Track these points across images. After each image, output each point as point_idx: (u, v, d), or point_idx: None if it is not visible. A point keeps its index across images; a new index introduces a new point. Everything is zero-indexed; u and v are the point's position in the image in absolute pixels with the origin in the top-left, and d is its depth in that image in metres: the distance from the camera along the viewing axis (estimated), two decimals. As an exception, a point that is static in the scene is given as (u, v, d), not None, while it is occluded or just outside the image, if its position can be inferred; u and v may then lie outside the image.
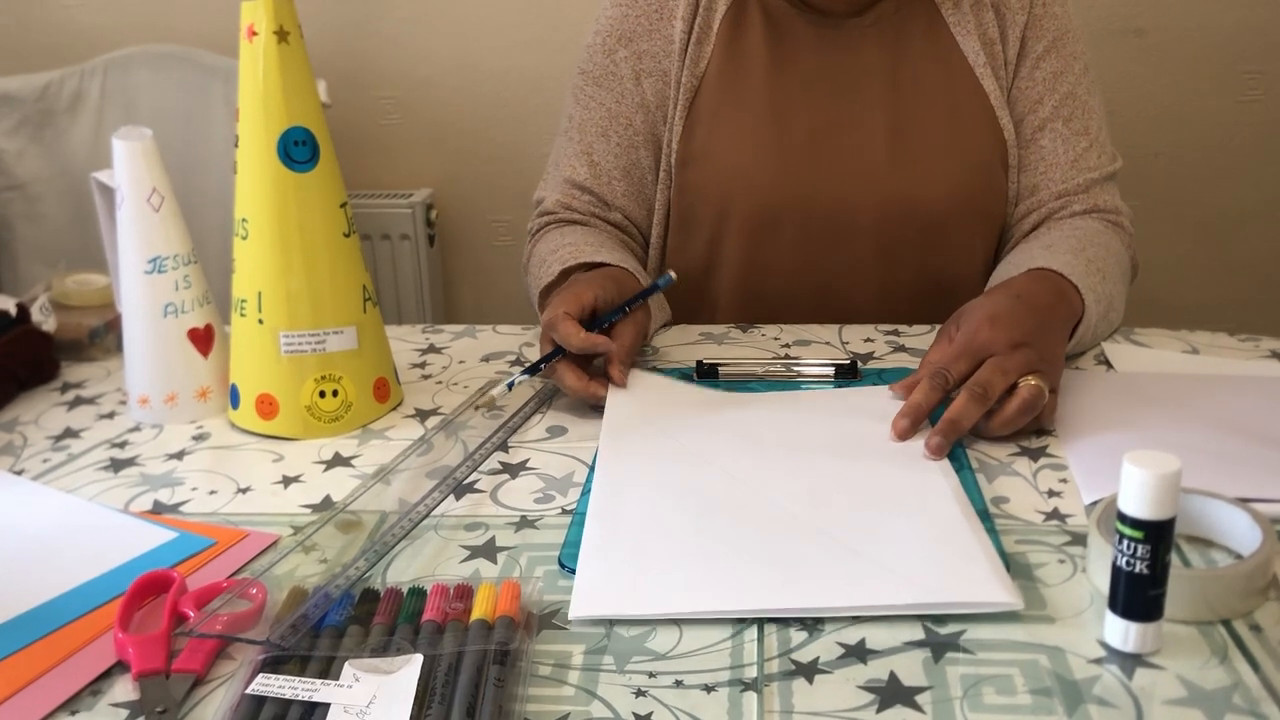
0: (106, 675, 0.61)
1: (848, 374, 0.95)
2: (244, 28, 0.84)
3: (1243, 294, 2.07)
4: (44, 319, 1.06)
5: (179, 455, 0.88)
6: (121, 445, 0.90)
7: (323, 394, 0.89)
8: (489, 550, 0.72)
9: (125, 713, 0.58)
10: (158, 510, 0.80)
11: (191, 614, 0.64)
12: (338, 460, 0.86)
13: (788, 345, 1.04)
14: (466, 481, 0.81)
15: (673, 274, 0.99)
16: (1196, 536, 0.70)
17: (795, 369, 0.96)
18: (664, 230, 1.18)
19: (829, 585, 0.65)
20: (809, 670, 0.59)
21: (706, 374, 0.96)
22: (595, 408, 0.91)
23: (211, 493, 0.82)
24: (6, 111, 1.86)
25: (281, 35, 0.84)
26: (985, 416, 0.82)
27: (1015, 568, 0.68)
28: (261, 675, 0.58)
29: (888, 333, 1.06)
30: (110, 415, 0.96)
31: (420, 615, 0.63)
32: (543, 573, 0.69)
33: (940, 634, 0.62)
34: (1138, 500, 0.57)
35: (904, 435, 0.82)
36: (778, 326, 1.08)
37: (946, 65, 1.12)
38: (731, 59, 1.13)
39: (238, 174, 0.87)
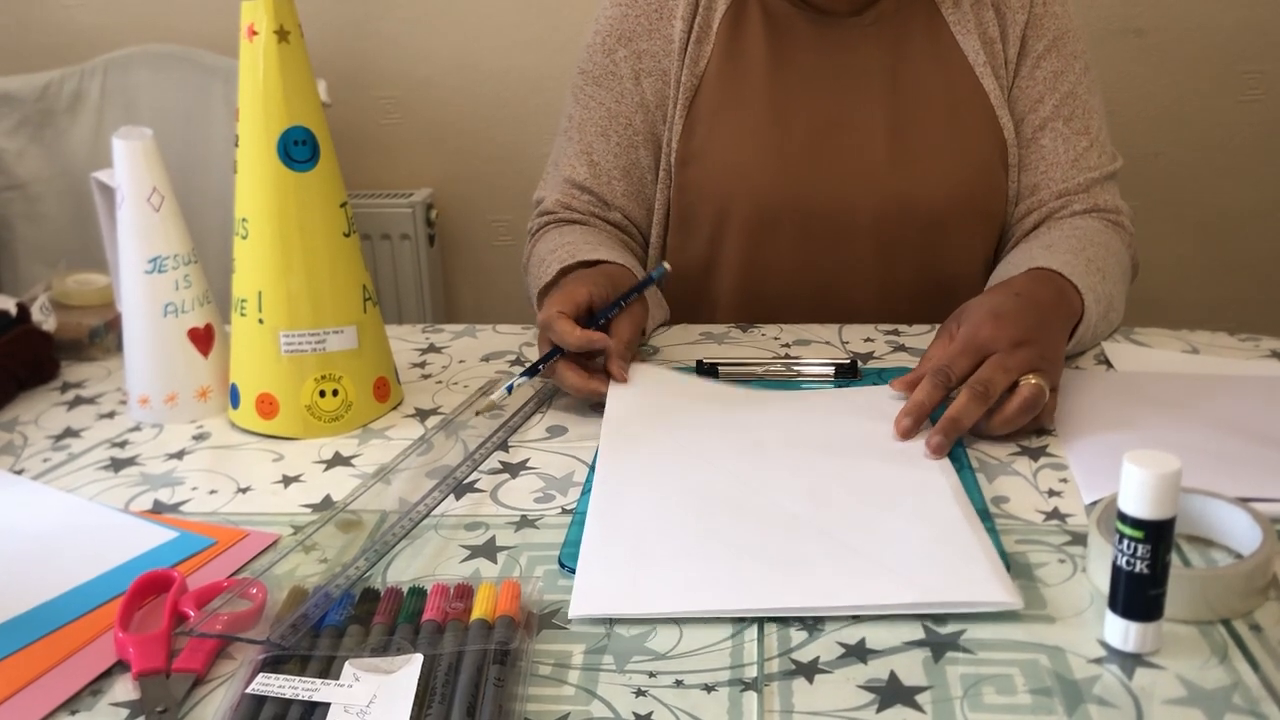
0: (107, 675, 0.61)
1: (848, 374, 0.95)
2: (244, 27, 0.84)
3: (1243, 294, 2.07)
4: (44, 319, 1.06)
5: (179, 455, 0.88)
6: (122, 445, 0.90)
7: (323, 393, 0.89)
8: (489, 550, 0.72)
9: (125, 712, 0.58)
10: (158, 510, 0.80)
11: (192, 613, 0.64)
12: (338, 460, 0.86)
13: (788, 345, 1.04)
14: (467, 481, 0.81)
15: (667, 265, 1.00)
16: (1196, 536, 0.70)
17: (795, 369, 0.96)
18: (664, 230, 1.18)
19: (829, 584, 0.65)
20: (809, 670, 0.59)
21: (706, 373, 0.96)
22: (595, 407, 0.91)
23: (212, 492, 0.82)
24: (6, 111, 1.86)
25: (282, 35, 0.84)
26: (986, 415, 0.82)
27: (1015, 567, 0.68)
28: (262, 675, 0.58)
29: (888, 332, 1.06)
30: (110, 415, 0.96)
31: (420, 615, 0.63)
32: (543, 572, 0.69)
33: (940, 634, 0.62)
34: (1138, 500, 0.57)
35: (907, 434, 0.82)
36: (778, 326, 1.08)
37: (946, 64, 1.12)
38: (731, 58, 1.13)
39: (238, 174, 0.87)
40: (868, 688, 0.58)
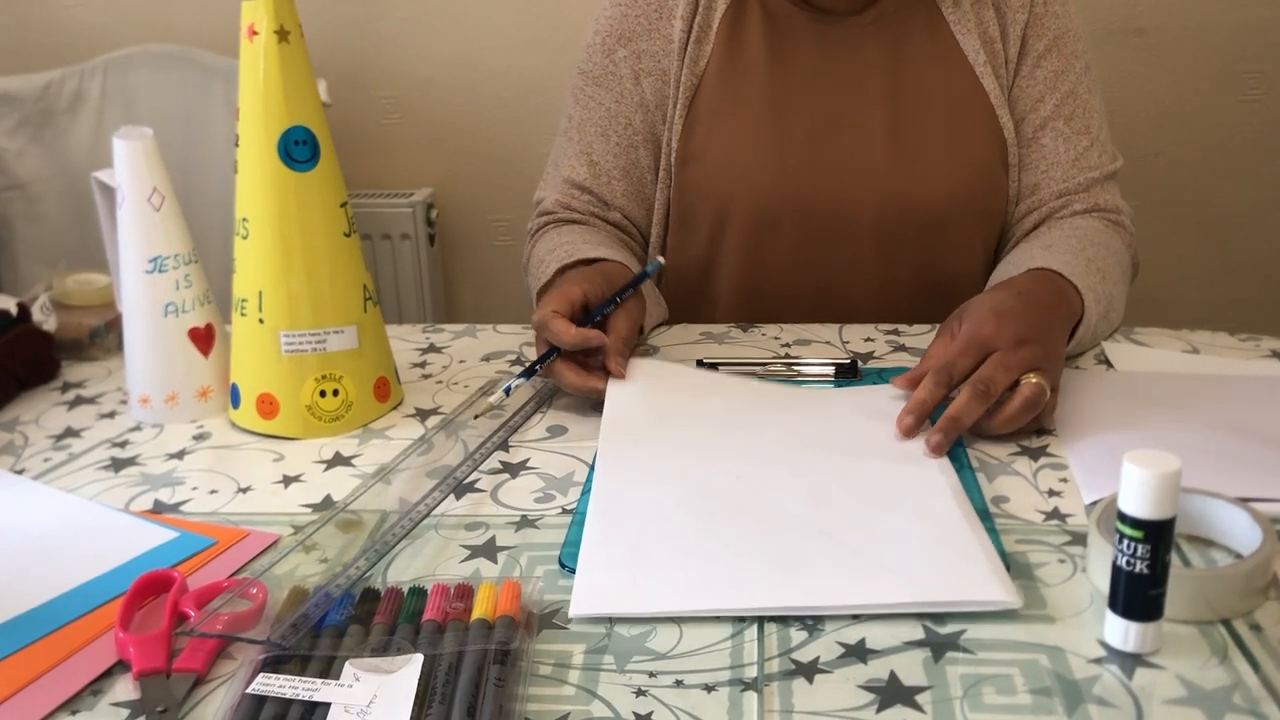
0: (107, 675, 0.61)
1: (848, 373, 0.95)
2: (244, 27, 0.84)
3: (1243, 294, 2.07)
4: (44, 318, 1.06)
5: (179, 455, 0.88)
6: (122, 445, 0.90)
7: (323, 393, 0.89)
8: (489, 550, 0.72)
9: (126, 712, 0.58)
10: (158, 510, 0.80)
11: (192, 613, 0.64)
12: (338, 460, 0.86)
13: (788, 344, 1.04)
14: (467, 481, 0.81)
15: (661, 259, 0.99)
16: (1196, 536, 0.70)
17: (795, 368, 0.96)
18: (664, 230, 1.18)
19: (829, 584, 0.65)
20: (809, 670, 0.59)
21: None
22: (595, 407, 0.90)
23: (212, 492, 0.82)
24: (6, 111, 1.86)
25: (282, 35, 0.84)
26: (986, 414, 0.82)
27: (1015, 567, 0.68)
28: (262, 675, 0.58)
29: (888, 332, 1.06)
30: (111, 415, 0.96)
31: (421, 615, 0.63)
32: (543, 572, 0.69)
33: (940, 634, 0.62)
34: (1138, 500, 0.57)
35: (909, 432, 0.82)
36: (778, 326, 1.08)
37: (946, 64, 1.12)
38: (731, 58, 1.13)
39: (238, 174, 0.87)
40: (868, 688, 0.58)
